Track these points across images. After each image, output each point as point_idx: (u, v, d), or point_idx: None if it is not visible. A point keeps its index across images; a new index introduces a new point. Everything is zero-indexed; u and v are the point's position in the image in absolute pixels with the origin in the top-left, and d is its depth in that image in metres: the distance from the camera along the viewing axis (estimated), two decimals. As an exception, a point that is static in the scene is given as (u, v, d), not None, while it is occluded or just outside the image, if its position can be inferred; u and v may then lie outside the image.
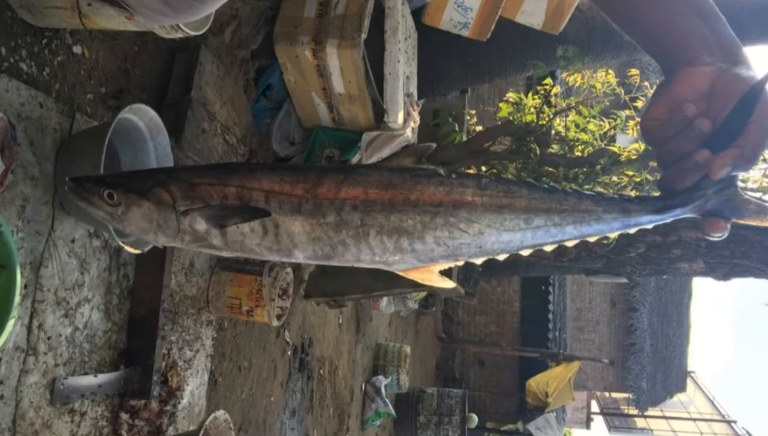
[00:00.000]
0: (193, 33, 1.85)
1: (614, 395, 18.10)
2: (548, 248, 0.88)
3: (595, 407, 17.77)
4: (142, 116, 2.02)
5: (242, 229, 0.86)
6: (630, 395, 15.90)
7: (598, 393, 17.45)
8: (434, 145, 0.89)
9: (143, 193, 0.88)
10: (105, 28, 1.86)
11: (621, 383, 15.12)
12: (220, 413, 2.90)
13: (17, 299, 1.50)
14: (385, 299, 6.20)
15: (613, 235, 0.88)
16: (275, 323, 2.98)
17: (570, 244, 0.87)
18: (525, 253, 0.87)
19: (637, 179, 3.77)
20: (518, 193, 0.84)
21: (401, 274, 0.89)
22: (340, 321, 5.33)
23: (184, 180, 0.88)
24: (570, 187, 0.85)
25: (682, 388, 17.63)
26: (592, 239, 0.88)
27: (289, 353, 3.99)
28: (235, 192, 0.85)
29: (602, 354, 14.11)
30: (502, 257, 0.88)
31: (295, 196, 0.84)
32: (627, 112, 3.78)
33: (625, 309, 14.76)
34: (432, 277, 0.90)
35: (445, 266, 0.89)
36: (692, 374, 19.09)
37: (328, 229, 0.84)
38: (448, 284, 0.91)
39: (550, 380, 10.72)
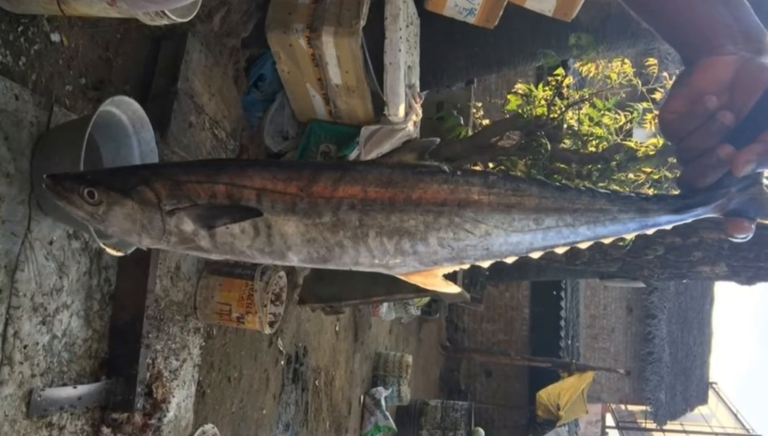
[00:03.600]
0: (179, 20, 1.84)
1: (630, 407, 18.10)
2: (560, 250, 0.88)
3: (610, 420, 17.77)
4: (125, 109, 2.02)
5: (232, 230, 0.86)
6: (647, 408, 15.89)
7: (614, 405, 17.45)
8: (438, 140, 0.89)
9: (126, 192, 0.88)
10: (85, 15, 1.86)
11: (638, 394, 15.10)
12: (208, 427, 2.91)
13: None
14: (385, 305, 6.20)
15: (630, 236, 0.89)
16: (267, 330, 2.99)
17: (583, 245, 0.87)
18: (535, 255, 0.87)
19: (655, 176, 3.77)
20: (528, 191, 0.84)
21: (402, 278, 0.89)
22: (337, 329, 5.35)
23: (170, 178, 0.88)
24: (583, 185, 0.85)
25: (703, 400, 17.62)
26: (606, 241, 0.88)
27: (282, 362, 4.00)
28: (224, 190, 0.85)
29: (618, 364, 14.10)
30: (510, 260, 0.88)
31: (288, 195, 0.84)
32: (644, 104, 3.78)
33: (642, 316, 14.74)
34: (435, 281, 0.90)
35: (449, 269, 0.89)
36: (714, 386, 19.08)
37: (324, 229, 0.84)
38: (453, 288, 0.91)
39: (561, 392, 10.76)
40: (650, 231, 0.88)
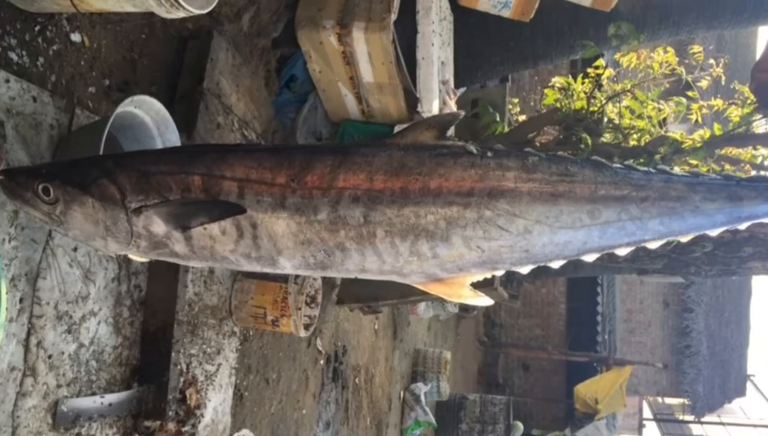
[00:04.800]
0: (196, 11, 1.71)
1: (668, 400, 17.51)
2: (622, 252, 0.65)
3: (647, 412, 17.17)
4: (147, 110, 1.90)
5: (211, 231, 0.67)
6: (685, 401, 15.31)
7: (651, 398, 16.87)
8: (462, 112, 0.68)
9: (85, 187, 0.69)
10: (100, 10, 1.78)
11: (676, 387, 14.60)
12: (245, 433, 2.77)
13: (2, 316, 1.37)
14: (423, 303, 6.05)
15: (716, 232, 0.65)
16: (303, 333, 2.87)
17: (653, 245, 0.64)
18: (589, 258, 0.64)
19: (704, 169, 3.46)
20: (580, 176, 0.61)
21: (420, 287, 0.68)
22: (376, 327, 5.32)
23: (136, 168, 0.69)
24: (653, 167, 0.62)
25: (741, 392, 16.85)
26: (684, 238, 0.65)
27: (321, 362, 3.95)
28: (200, 182, 0.66)
29: (654, 357, 13.56)
30: (556, 264, 0.65)
31: (276, 186, 0.64)
32: (691, 93, 3.48)
33: (679, 310, 14.16)
34: (461, 291, 0.68)
35: (478, 276, 0.67)
36: (752, 378, 18.25)
37: (321, 229, 0.64)
38: (484, 300, 0.69)
39: (599, 386, 10.40)
40: (743, 225, 0.65)
